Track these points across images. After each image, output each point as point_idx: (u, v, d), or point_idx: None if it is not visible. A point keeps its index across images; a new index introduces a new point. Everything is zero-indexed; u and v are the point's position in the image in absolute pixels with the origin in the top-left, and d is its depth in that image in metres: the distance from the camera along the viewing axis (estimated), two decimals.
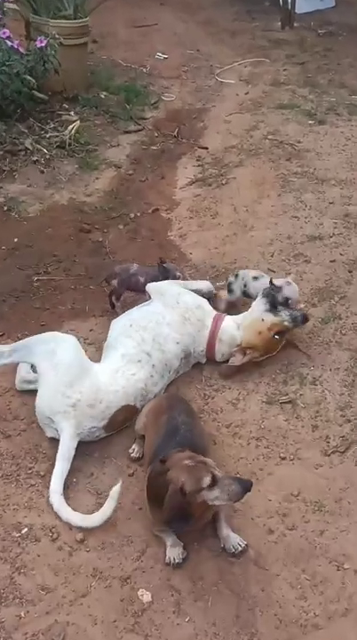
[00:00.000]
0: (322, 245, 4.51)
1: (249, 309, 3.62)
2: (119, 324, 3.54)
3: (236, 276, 3.87)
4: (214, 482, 2.54)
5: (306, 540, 2.81)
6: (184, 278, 3.90)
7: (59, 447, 3.00)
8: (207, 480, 2.54)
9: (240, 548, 2.73)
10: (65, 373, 3.09)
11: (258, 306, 3.55)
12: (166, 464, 2.60)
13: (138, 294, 3.87)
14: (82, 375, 3.12)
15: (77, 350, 3.21)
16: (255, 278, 3.81)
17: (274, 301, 3.51)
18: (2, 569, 2.65)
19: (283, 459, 3.15)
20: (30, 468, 3.05)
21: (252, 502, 2.92)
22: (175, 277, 3.83)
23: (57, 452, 3.00)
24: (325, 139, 5.87)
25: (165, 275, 3.83)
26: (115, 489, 2.78)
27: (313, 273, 4.26)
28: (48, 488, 2.90)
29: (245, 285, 3.82)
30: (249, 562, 2.72)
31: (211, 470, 2.56)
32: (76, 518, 2.82)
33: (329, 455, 3.14)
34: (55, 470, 2.94)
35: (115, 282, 3.88)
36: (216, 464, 2.68)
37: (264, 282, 3.70)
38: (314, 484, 3.02)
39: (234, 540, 2.75)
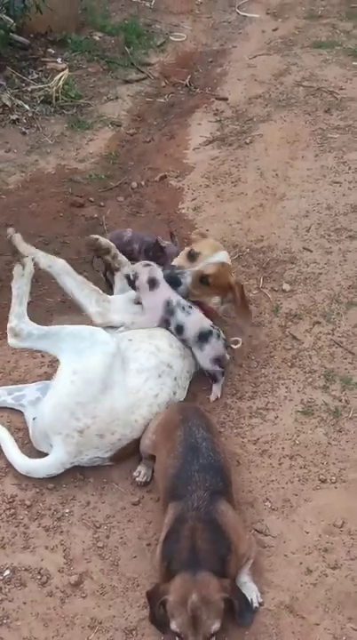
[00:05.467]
0: None
1: None
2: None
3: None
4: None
5: (353, 581, 2.80)
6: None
7: (42, 460, 3.08)
8: (176, 629, 2.47)
9: (251, 606, 2.68)
10: (82, 388, 3.05)
11: None
12: (179, 580, 2.50)
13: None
14: (102, 396, 3.07)
15: (110, 363, 3.13)
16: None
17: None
18: None
19: (324, 481, 3.14)
20: (12, 497, 3.06)
21: (286, 535, 2.92)
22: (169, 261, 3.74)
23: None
24: None
25: (159, 255, 3.84)
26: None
27: None
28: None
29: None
30: (282, 609, 2.72)
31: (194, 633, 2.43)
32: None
33: None
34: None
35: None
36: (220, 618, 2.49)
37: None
38: None
39: (250, 592, 2.71)
